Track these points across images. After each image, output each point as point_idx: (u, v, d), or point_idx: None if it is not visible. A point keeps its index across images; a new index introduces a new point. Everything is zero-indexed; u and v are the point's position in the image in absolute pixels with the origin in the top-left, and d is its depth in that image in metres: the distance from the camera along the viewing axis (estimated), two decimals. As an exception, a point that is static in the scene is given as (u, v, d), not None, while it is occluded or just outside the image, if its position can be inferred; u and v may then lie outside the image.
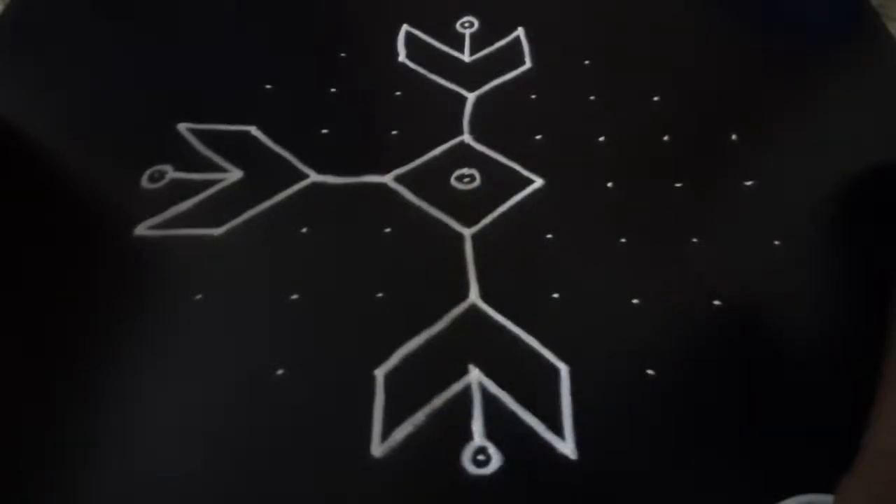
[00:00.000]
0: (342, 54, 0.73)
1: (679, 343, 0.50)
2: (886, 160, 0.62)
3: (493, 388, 0.47)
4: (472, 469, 0.44)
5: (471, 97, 0.68)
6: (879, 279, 0.53)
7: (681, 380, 0.48)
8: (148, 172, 0.61)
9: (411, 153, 0.62)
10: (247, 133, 0.64)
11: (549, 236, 0.56)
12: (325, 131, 0.65)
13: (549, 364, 0.48)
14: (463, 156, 0.63)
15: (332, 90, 0.69)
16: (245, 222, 0.58)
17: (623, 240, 0.56)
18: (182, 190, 0.60)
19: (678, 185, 0.60)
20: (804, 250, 0.54)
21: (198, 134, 0.64)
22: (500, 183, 0.60)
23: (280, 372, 0.49)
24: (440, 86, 0.69)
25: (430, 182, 0.60)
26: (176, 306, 0.52)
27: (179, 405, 0.47)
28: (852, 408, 0.39)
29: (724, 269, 0.54)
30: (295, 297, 0.53)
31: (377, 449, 0.45)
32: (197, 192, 0.59)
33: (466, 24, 0.76)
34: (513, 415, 0.46)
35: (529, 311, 0.51)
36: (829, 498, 0.39)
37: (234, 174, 0.61)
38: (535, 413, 0.46)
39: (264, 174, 0.61)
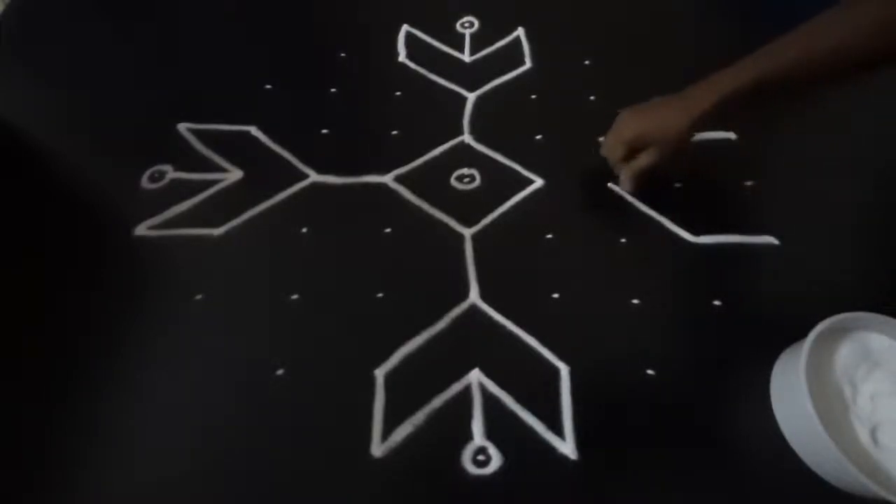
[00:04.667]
0: (342, 54, 0.73)
1: (679, 343, 0.50)
2: (886, 160, 0.62)
3: (493, 388, 0.47)
4: (472, 469, 0.44)
5: (471, 97, 0.68)
6: (880, 277, 0.53)
7: (681, 380, 0.48)
8: (148, 172, 0.61)
9: (411, 153, 0.62)
10: (247, 133, 0.64)
11: (549, 236, 0.56)
12: (325, 131, 0.65)
13: (549, 364, 0.48)
14: (463, 156, 0.63)
15: (332, 90, 0.69)
16: (245, 222, 0.58)
17: (623, 240, 0.56)
18: (182, 190, 0.60)
19: (678, 185, 0.60)
20: (804, 250, 0.54)
21: (198, 134, 0.64)
22: (500, 183, 0.60)
23: (280, 372, 0.49)
24: (440, 86, 0.69)
25: (430, 182, 0.60)
26: (176, 306, 0.52)
27: (179, 405, 0.47)
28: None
29: (725, 268, 0.54)
30: (295, 297, 0.53)
31: (377, 449, 0.45)
32: (197, 192, 0.59)
33: (466, 24, 0.76)
34: (513, 415, 0.46)
35: (529, 311, 0.51)
36: (866, 315, 0.44)
37: (234, 174, 0.61)
38: (535, 413, 0.46)
39: (264, 174, 0.61)
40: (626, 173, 0.55)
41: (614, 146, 0.54)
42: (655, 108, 0.52)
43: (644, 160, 0.53)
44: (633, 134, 0.52)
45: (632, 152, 0.54)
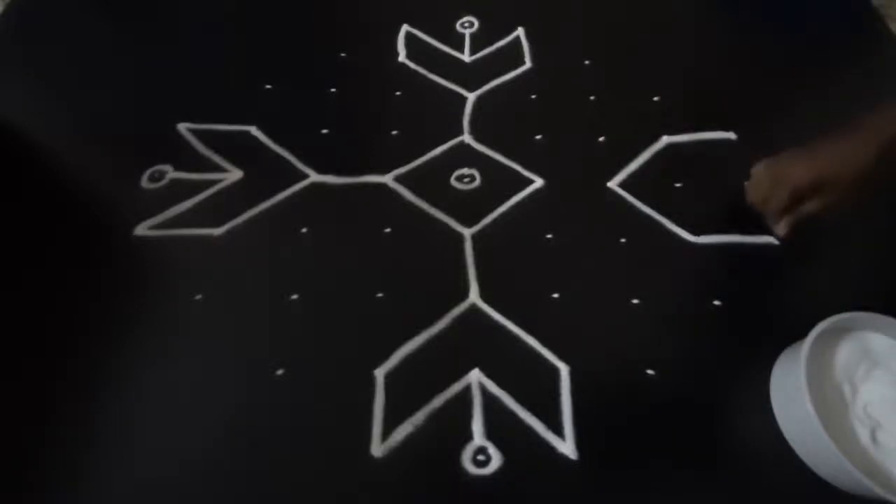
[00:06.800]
0: (342, 54, 0.73)
1: (679, 343, 0.50)
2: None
3: (493, 388, 0.47)
4: (472, 469, 0.44)
5: (471, 97, 0.68)
6: (880, 277, 0.53)
7: (681, 380, 0.48)
8: (148, 172, 0.61)
9: (411, 153, 0.62)
10: (247, 133, 0.64)
11: (549, 236, 0.56)
12: (325, 131, 0.65)
13: (549, 364, 0.48)
14: (463, 156, 0.63)
15: (332, 90, 0.69)
16: (245, 222, 0.58)
17: (623, 240, 0.56)
18: (182, 190, 0.60)
19: (678, 185, 0.60)
20: (804, 250, 0.54)
21: (198, 134, 0.64)
22: (500, 183, 0.60)
23: (280, 372, 0.49)
24: (440, 86, 0.69)
25: (430, 182, 0.60)
26: (176, 306, 0.52)
27: (179, 405, 0.47)
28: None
29: (725, 268, 0.54)
30: (295, 297, 0.53)
31: (377, 449, 0.45)
32: (197, 192, 0.59)
33: (466, 24, 0.76)
34: (513, 415, 0.46)
35: (529, 311, 0.51)
36: (866, 315, 0.45)
37: (234, 174, 0.61)
38: (535, 413, 0.46)
39: (264, 174, 0.61)
40: (790, 219, 0.49)
41: (779, 194, 0.48)
42: (824, 147, 0.46)
43: (816, 204, 0.46)
44: (808, 179, 0.45)
45: (796, 201, 0.47)
